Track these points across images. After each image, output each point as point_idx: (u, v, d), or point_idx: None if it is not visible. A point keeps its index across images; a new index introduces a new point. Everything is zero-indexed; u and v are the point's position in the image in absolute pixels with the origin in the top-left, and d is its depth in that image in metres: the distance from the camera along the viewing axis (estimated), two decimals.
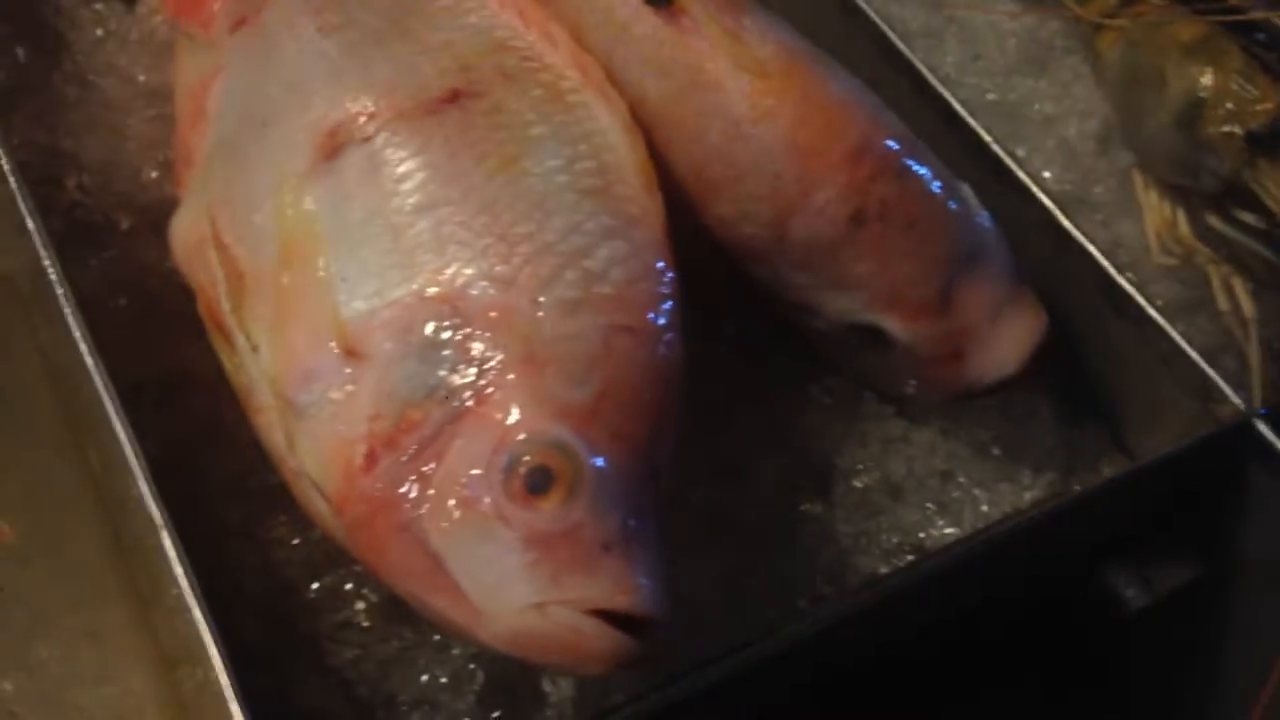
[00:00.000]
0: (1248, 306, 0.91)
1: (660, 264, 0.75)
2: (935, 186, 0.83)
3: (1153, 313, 0.86)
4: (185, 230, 0.82)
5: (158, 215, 0.88)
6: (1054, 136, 1.06)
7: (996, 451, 0.89)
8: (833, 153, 0.81)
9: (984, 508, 0.86)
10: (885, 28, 1.00)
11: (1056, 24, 1.12)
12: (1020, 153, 1.01)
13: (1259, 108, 0.91)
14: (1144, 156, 1.00)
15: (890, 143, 0.82)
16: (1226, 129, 0.91)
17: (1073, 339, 0.91)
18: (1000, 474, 0.88)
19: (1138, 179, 1.00)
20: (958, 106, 0.96)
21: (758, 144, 0.81)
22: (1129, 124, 1.01)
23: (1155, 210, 0.98)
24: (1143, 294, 0.89)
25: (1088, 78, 1.09)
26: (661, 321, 0.73)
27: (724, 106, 0.82)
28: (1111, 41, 1.05)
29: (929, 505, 0.86)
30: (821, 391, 0.89)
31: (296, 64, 0.84)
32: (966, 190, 0.85)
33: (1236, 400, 0.82)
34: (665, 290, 0.74)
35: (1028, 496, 0.87)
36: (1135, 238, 0.99)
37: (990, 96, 1.09)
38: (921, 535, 0.85)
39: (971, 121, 0.96)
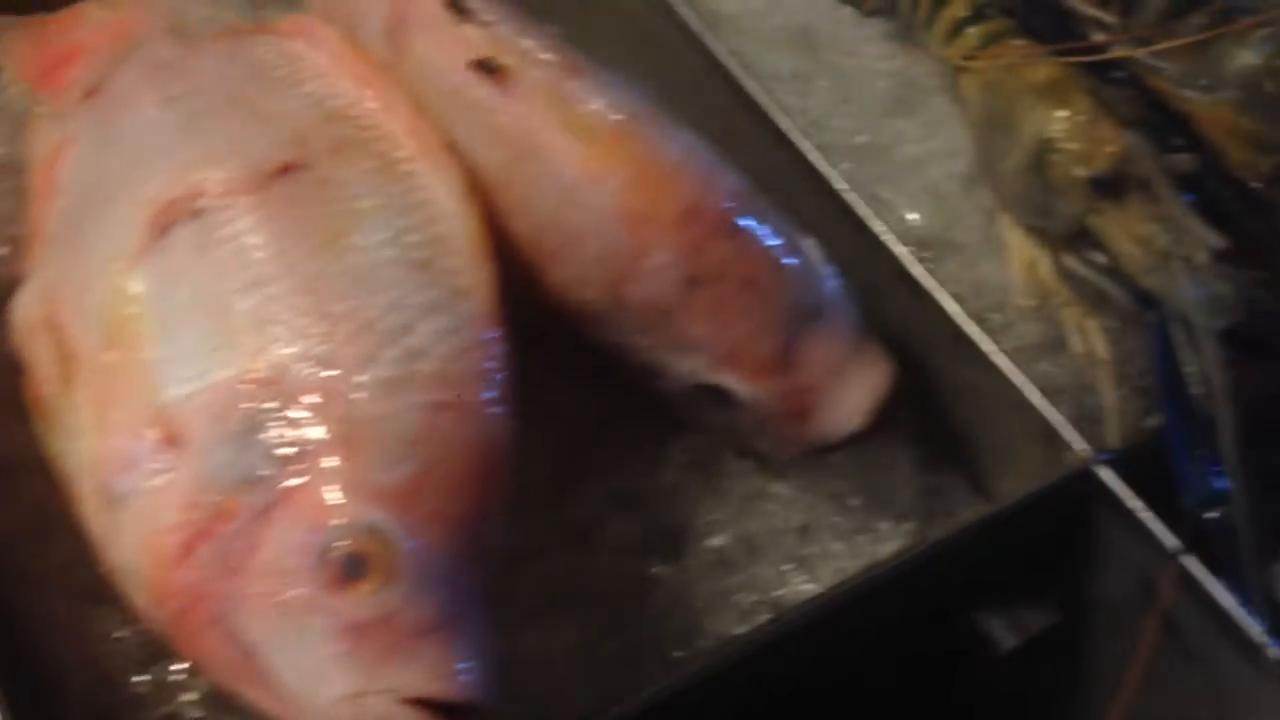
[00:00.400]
0: (1101, 348, 0.91)
1: (487, 337, 0.74)
2: (773, 244, 0.82)
3: (1000, 359, 0.86)
4: (25, 309, 0.81)
5: (2, 294, 0.86)
6: (921, 178, 1.05)
7: (855, 503, 0.88)
8: (665, 215, 0.80)
9: (842, 561, 0.86)
10: (742, 76, 1.00)
11: (928, 63, 1.12)
12: (886, 195, 1.02)
13: (1105, 150, 0.91)
14: (1002, 198, 1.00)
15: (725, 202, 0.82)
16: (1072, 172, 0.91)
17: (932, 386, 0.91)
18: (859, 526, 0.87)
19: (1000, 220, 1.00)
20: (814, 155, 0.96)
21: (589, 210, 0.81)
22: (988, 165, 1.01)
23: (1017, 251, 0.98)
24: (1008, 335, 0.89)
25: (957, 117, 1.09)
26: (486, 395, 0.72)
27: (555, 173, 0.81)
28: (973, 82, 1.05)
29: (787, 562, 0.85)
30: (681, 450, 0.88)
31: (136, 136, 0.84)
32: (809, 245, 0.85)
33: (1080, 446, 0.82)
34: (491, 364, 0.73)
35: (887, 547, 0.87)
36: (999, 279, 0.99)
37: (860, 139, 1.08)
38: (778, 593, 0.84)
39: (826, 169, 0.95)
